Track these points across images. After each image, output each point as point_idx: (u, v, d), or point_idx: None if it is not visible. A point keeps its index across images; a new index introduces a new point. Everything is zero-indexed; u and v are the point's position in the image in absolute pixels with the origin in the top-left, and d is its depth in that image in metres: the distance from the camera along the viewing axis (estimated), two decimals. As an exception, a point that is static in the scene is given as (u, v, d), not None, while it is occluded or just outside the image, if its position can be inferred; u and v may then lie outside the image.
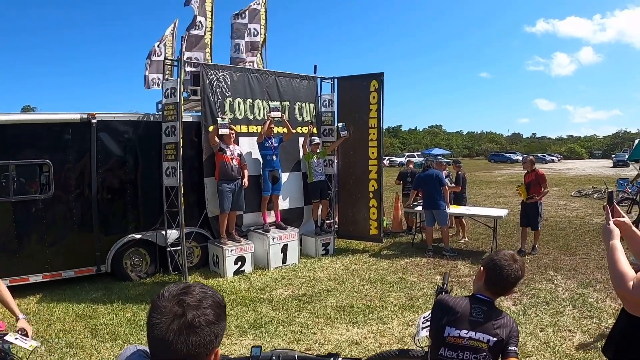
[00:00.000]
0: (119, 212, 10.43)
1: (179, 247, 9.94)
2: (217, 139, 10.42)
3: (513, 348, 3.05)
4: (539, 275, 10.10)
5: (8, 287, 8.88)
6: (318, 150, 12.38)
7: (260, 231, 11.31)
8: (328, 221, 12.96)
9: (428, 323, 3.40)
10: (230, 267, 10.39)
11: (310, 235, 12.37)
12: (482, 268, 3.27)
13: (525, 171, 12.17)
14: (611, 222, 2.88)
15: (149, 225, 10.51)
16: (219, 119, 10.50)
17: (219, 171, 10.53)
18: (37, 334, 7.26)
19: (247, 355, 2.87)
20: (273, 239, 10.98)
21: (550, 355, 6.32)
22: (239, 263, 10.56)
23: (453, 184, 14.26)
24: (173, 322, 1.62)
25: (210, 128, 10.79)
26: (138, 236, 10.36)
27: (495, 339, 3.04)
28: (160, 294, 1.69)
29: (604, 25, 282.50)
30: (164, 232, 10.33)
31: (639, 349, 2.60)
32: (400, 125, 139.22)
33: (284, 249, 11.16)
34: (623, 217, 2.97)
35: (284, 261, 11.17)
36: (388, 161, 66.85)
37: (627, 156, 62.44)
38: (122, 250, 10.26)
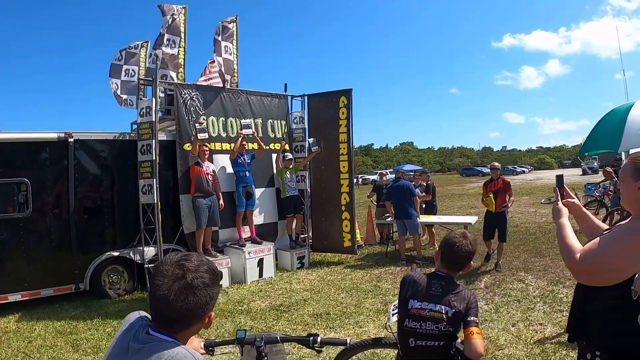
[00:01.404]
0: (96, 230, 10.49)
1: (157, 264, 9.98)
2: (196, 149, 10.64)
3: (472, 318, 3.32)
4: (510, 277, 10.39)
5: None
6: (291, 166, 12.58)
7: (236, 246, 11.44)
8: (302, 235, 13.12)
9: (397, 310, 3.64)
10: (207, 282, 10.42)
11: (285, 249, 12.51)
12: (438, 248, 3.70)
13: (489, 179, 11.82)
14: (560, 203, 3.12)
15: (126, 243, 10.57)
16: (197, 125, 10.68)
17: (194, 185, 10.67)
18: (19, 351, 7.36)
19: (233, 338, 3.10)
20: (249, 253, 11.11)
21: (523, 347, 6.55)
22: (216, 278, 10.61)
23: (424, 194, 14.46)
24: (174, 283, 1.90)
25: (186, 146, 10.97)
26: (116, 254, 10.41)
27: (453, 310, 3.33)
28: (163, 261, 1.98)
29: (570, 38, 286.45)
30: (141, 249, 10.43)
31: (595, 319, 2.80)
32: (372, 144, 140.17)
33: (260, 263, 11.30)
34: (573, 198, 3.23)
35: (261, 275, 11.29)
36: (361, 179, 66.99)
37: (595, 163, 63.36)
38: (101, 267, 10.31)
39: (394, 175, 14.78)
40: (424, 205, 14.28)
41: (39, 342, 7.75)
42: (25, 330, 8.42)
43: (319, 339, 3.15)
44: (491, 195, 11.30)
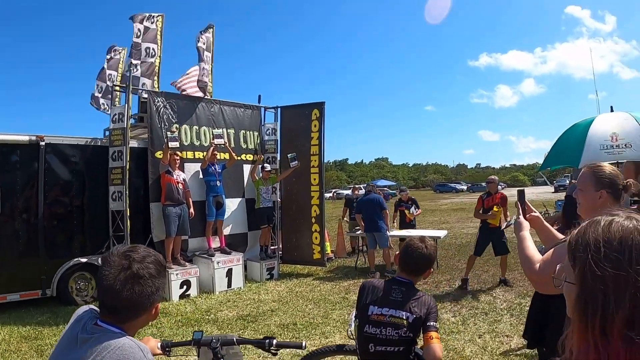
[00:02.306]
0: (65, 235, 10.44)
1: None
2: (168, 158, 10.62)
3: (432, 323, 3.37)
4: (479, 290, 10.53)
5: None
6: (268, 178, 12.68)
7: (205, 256, 11.42)
8: (272, 247, 13.15)
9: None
10: (175, 291, 10.45)
11: (255, 260, 12.52)
12: (397, 253, 3.74)
13: (486, 193, 11.40)
14: (521, 217, 3.22)
15: (95, 249, 10.49)
16: (169, 133, 10.70)
17: (164, 193, 10.63)
18: (-18, 355, 7.31)
19: (190, 339, 3.14)
20: (218, 263, 11.10)
21: (488, 358, 6.62)
22: (185, 287, 10.64)
23: (419, 210, 14.80)
24: (120, 273, 1.96)
25: (158, 153, 10.96)
26: (84, 260, 10.32)
27: (413, 315, 3.36)
28: (110, 252, 2.04)
29: (545, 58, 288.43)
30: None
31: (554, 326, 2.86)
32: (347, 159, 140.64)
33: (229, 273, 11.28)
34: (534, 212, 3.33)
35: (229, 285, 11.28)
36: (335, 194, 67.14)
37: (566, 180, 63.96)
38: (68, 274, 10.22)
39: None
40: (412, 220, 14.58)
41: (3, 347, 7.69)
42: (-10, 334, 8.32)
43: (274, 342, 3.18)
44: (499, 208, 10.95)
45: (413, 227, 14.53)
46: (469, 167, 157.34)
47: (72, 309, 9.62)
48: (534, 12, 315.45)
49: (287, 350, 5.88)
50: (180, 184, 10.78)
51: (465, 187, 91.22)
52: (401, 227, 14.35)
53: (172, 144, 10.56)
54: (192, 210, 11.08)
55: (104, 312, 2.03)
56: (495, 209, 10.88)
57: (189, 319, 8.89)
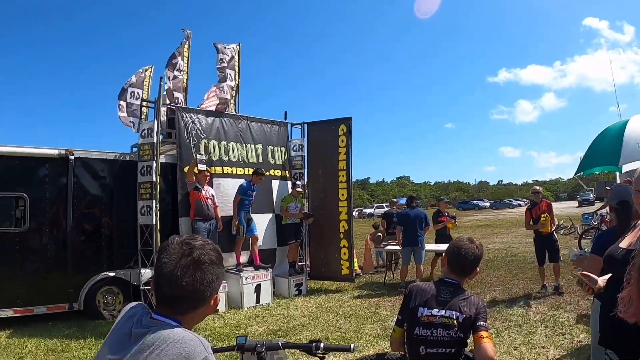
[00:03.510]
0: (93, 249, 10.46)
1: (153, 286, 9.91)
2: (193, 177, 10.58)
3: (482, 323, 3.30)
4: (510, 303, 10.35)
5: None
6: (298, 195, 12.63)
7: (234, 271, 11.38)
8: (300, 263, 13.06)
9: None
10: (204, 306, 10.32)
11: (283, 276, 12.43)
12: (444, 254, 3.70)
13: (531, 204, 11.57)
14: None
15: (122, 264, 10.49)
16: (198, 155, 10.65)
17: (194, 209, 10.61)
18: (9, 367, 7.27)
19: (233, 344, 3.05)
20: (246, 278, 11.05)
21: (526, 370, 6.47)
22: (213, 302, 10.51)
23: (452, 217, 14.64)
24: (181, 260, 1.90)
25: (186, 169, 10.95)
26: (112, 274, 10.34)
27: (463, 315, 3.30)
28: (169, 241, 1.98)
29: (565, 71, 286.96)
30: (137, 271, 10.33)
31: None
32: (369, 178, 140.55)
33: (257, 289, 11.22)
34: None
35: (258, 301, 11.20)
36: (357, 213, 67.14)
37: (590, 195, 63.69)
38: (96, 288, 10.23)
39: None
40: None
41: (30, 359, 7.67)
42: (17, 346, 8.33)
43: (321, 345, 3.10)
44: (546, 215, 11.00)
45: (450, 239, 14.27)
46: (490, 184, 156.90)
47: (98, 323, 9.71)
48: (551, 25, 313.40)
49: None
50: (209, 200, 10.74)
51: (488, 204, 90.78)
52: (440, 240, 14.09)
53: (200, 166, 10.56)
54: (220, 223, 11.05)
55: (161, 304, 1.96)
56: (542, 217, 10.96)
57: (218, 334, 8.81)
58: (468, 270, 3.54)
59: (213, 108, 12.24)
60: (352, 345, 3.23)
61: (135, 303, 2.09)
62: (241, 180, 11.83)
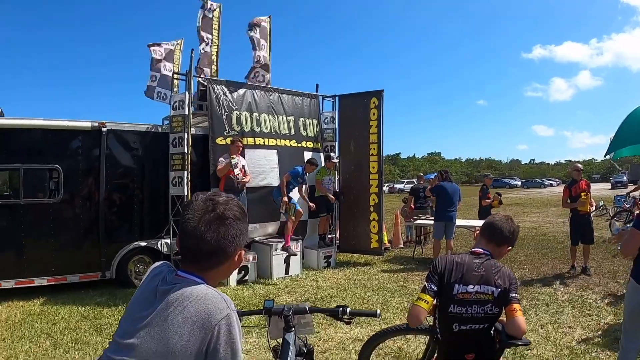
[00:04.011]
0: (125, 219, 10.56)
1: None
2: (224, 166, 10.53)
3: (515, 295, 3.29)
4: (538, 282, 10.33)
5: (13, 288, 9.09)
6: (333, 168, 12.62)
7: (264, 242, 11.46)
8: (330, 235, 13.09)
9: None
10: (233, 276, 10.45)
11: (312, 248, 12.50)
12: (480, 229, 3.68)
13: (571, 181, 11.33)
14: None
15: (154, 234, 10.63)
16: (232, 159, 10.49)
17: (223, 183, 10.62)
18: (42, 332, 7.45)
19: (261, 308, 3.09)
20: (276, 249, 11.11)
21: (552, 348, 6.47)
22: (242, 272, 10.66)
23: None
24: (205, 215, 1.91)
25: (219, 140, 11.05)
26: (143, 244, 10.48)
27: (499, 289, 3.27)
28: (193, 198, 2.01)
29: (601, 49, 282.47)
30: (169, 241, 10.49)
31: None
32: (400, 153, 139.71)
33: (287, 260, 11.26)
34: None
35: (287, 272, 11.26)
36: (387, 188, 66.93)
37: (624, 177, 62.88)
38: (128, 257, 10.38)
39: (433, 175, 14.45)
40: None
41: (63, 325, 7.81)
42: (50, 313, 8.48)
43: (348, 310, 3.14)
44: (586, 194, 10.84)
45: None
46: (522, 162, 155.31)
47: (130, 291, 9.77)
48: (588, 1, 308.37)
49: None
50: (240, 172, 10.73)
51: (519, 183, 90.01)
52: (482, 216, 13.84)
53: (236, 171, 10.49)
54: (246, 179, 10.84)
55: (186, 260, 1.99)
56: (583, 195, 10.77)
57: (247, 303, 8.90)
58: (502, 241, 3.50)
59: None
60: (378, 311, 3.25)
61: (161, 262, 2.12)
62: (273, 152, 11.94)
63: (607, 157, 8.46)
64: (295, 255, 11.23)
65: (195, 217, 1.91)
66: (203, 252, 1.92)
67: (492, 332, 3.39)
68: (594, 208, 10.67)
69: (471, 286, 3.30)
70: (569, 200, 11.08)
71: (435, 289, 3.38)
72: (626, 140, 7.83)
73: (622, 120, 7.81)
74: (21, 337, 7.17)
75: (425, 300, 3.36)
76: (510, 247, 3.59)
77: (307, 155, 12.78)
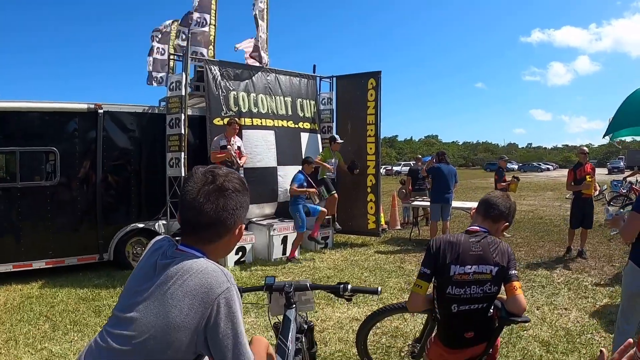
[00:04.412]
0: (122, 201, 10.56)
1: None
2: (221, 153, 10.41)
3: (514, 272, 3.30)
4: (535, 264, 10.36)
5: (11, 272, 9.09)
6: (337, 150, 12.40)
7: (262, 223, 11.45)
8: (327, 217, 13.09)
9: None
10: (230, 257, 10.45)
11: (310, 228, 12.27)
12: (473, 209, 3.68)
13: (576, 164, 11.14)
14: None
15: (151, 215, 10.64)
16: (222, 142, 10.49)
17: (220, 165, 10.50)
18: (41, 314, 7.45)
19: (262, 285, 3.10)
20: (274, 230, 11.13)
21: (548, 329, 6.51)
22: (240, 253, 10.67)
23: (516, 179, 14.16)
24: (204, 187, 1.91)
25: (216, 120, 11.01)
26: (141, 225, 10.49)
27: (497, 267, 3.26)
28: (193, 170, 1.99)
29: (600, 35, 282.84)
30: (166, 222, 10.48)
31: None
32: (397, 136, 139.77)
33: (284, 241, 11.30)
34: None
35: (284, 252, 11.28)
36: (385, 170, 66.94)
37: (620, 162, 63.10)
38: (125, 239, 10.39)
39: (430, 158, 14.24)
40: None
41: (61, 307, 7.81)
42: (48, 296, 8.48)
43: (349, 287, 3.14)
44: (591, 177, 10.78)
45: None
46: (519, 146, 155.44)
47: (128, 272, 9.70)
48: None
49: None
50: (236, 153, 10.67)
51: (516, 167, 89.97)
52: None
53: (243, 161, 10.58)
54: (241, 161, 10.73)
55: (186, 232, 1.99)
56: (588, 178, 10.71)
57: (245, 284, 8.86)
58: (498, 216, 3.48)
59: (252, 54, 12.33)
60: (379, 288, 3.26)
61: (162, 236, 2.11)
62: (271, 132, 11.93)
63: (606, 138, 8.43)
64: (320, 243, 11.25)
65: (194, 189, 1.91)
66: (202, 224, 1.92)
67: (491, 309, 3.39)
68: (597, 192, 10.59)
69: (468, 267, 3.26)
70: (572, 183, 10.96)
71: (429, 272, 3.35)
72: (625, 122, 7.82)
73: (621, 103, 7.81)
74: (20, 320, 7.17)
75: (420, 286, 3.37)
76: (507, 224, 3.54)
77: (305, 136, 12.82)
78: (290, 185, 11.06)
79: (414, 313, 5.56)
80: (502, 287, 3.34)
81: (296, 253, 11.15)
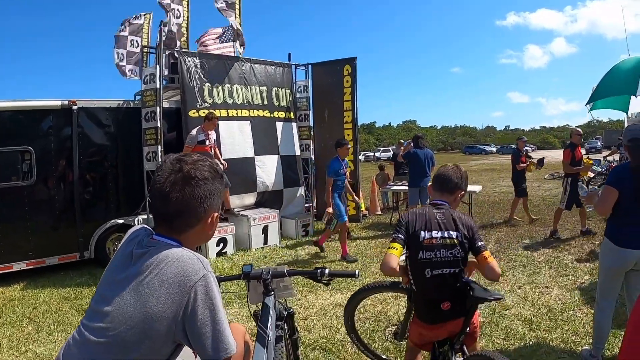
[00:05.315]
0: (101, 197, 10.50)
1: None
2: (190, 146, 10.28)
3: (481, 243, 3.50)
4: (515, 244, 10.47)
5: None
6: (346, 156, 11.20)
7: (241, 213, 11.45)
8: (307, 205, 13.09)
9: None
10: (212, 249, 10.49)
11: (290, 217, 12.53)
12: (429, 184, 4.02)
13: (570, 144, 11.07)
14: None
15: (131, 210, 10.59)
16: (207, 141, 10.46)
17: None
18: (24, 316, 7.41)
19: (239, 273, 3.10)
20: (254, 220, 11.13)
21: (530, 307, 6.59)
22: (221, 245, 10.68)
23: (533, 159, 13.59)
24: (170, 176, 1.92)
25: (191, 112, 10.98)
26: (120, 221, 10.42)
27: (460, 234, 3.46)
28: (164, 159, 1.96)
29: (576, 17, 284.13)
30: (146, 217, 10.40)
31: None
32: (375, 122, 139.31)
33: (265, 230, 11.32)
34: None
35: (265, 242, 11.33)
36: (363, 156, 67.03)
37: (598, 142, 63.78)
38: (105, 235, 10.33)
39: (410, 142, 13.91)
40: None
41: (44, 308, 7.78)
42: (30, 297, 8.44)
43: (326, 271, 3.17)
44: (589, 158, 10.76)
45: (525, 179, 13.53)
46: (497, 129, 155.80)
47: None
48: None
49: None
50: (213, 148, 10.66)
51: (494, 149, 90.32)
52: (517, 179, 13.27)
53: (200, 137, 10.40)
54: (224, 164, 10.66)
55: (157, 222, 2.00)
56: (586, 160, 10.82)
57: (227, 275, 8.85)
58: (453, 187, 3.72)
59: (214, 47, 12.33)
60: (356, 271, 3.30)
61: (139, 226, 2.12)
62: (247, 123, 11.89)
63: (587, 107, 8.47)
64: (356, 261, 9.85)
65: (161, 178, 1.92)
66: (170, 213, 1.93)
67: (464, 281, 3.49)
68: (592, 174, 10.54)
69: (435, 232, 3.48)
70: (570, 164, 10.81)
71: (402, 237, 3.51)
72: (610, 91, 7.88)
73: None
74: (3, 324, 7.13)
75: (395, 248, 3.48)
76: (463, 192, 3.83)
77: (279, 125, 12.80)
78: (327, 175, 10.33)
79: (397, 293, 5.61)
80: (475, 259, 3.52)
81: (347, 249, 10.16)
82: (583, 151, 11.76)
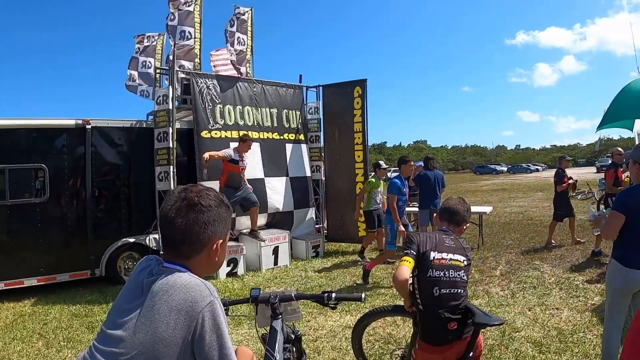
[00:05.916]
0: (113, 216, 10.57)
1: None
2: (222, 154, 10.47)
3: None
4: (526, 265, 10.42)
5: (3, 290, 9.07)
6: (384, 177, 11.63)
7: (252, 235, 11.41)
8: (317, 225, 13.12)
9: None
10: (222, 269, 10.47)
11: (300, 238, 12.54)
12: (437, 213, 4.18)
13: (611, 164, 11.18)
14: None
15: (142, 229, 10.63)
16: (240, 162, 10.66)
17: (225, 178, 10.62)
18: (34, 332, 7.45)
19: (247, 297, 3.15)
20: (264, 241, 11.14)
21: (540, 329, 6.55)
22: (232, 265, 10.69)
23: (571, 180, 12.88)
24: (176, 203, 1.99)
25: (203, 133, 11.07)
26: (132, 240, 10.48)
27: (468, 259, 3.70)
28: (172, 189, 2.05)
29: (585, 34, 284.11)
30: (157, 236, 10.49)
31: None
32: (385, 142, 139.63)
33: (275, 251, 11.33)
34: None
35: (276, 263, 11.32)
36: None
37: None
38: (117, 254, 10.38)
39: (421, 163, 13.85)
40: None
41: (54, 324, 7.81)
42: (41, 313, 8.47)
43: (333, 295, 3.21)
44: (628, 177, 10.37)
45: (568, 200, 12.90)
46: (508, 148, 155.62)
47: (120, 288, 9.73)
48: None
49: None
50: (244, 171, 10.87)
51: (505, 169, 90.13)
52: (559, 200, 12.68)
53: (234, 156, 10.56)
54: (250, 187, 11.01)
55: (165, 249, 2.05)
56: (626, 179, 10.84)
57: (237, 295, 8.91)
58: (460, 220, 4.01)
59: (224, 68, 12.38)
60: (363, 295, 3.34)
61: (149, 256, 2.17)
62: (256, 145, 11.86)
63: (597, 132, 8.49)
64: (368, 283, 9.57)
65: (168, 205, 2.00)
66: (176, 239, 1.99)
67: (467, 305, 3.61)
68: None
69: (445, 254, 3.65)
70: (612, 184, 10.85)
71: (414, 252, 3.66)
72: (619, 115, 7.88)
73: (603, 109, 7.88)
74: (13, 339, 7.18)
75: (408, 261, 3.62)
76: (467, 224, 4.14)
77: (289, 147, 12.93)
78: (389, 192, 9.89)
79: (403, 317, 5.66)
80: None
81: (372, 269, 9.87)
82: (585, 168, 11.69)
